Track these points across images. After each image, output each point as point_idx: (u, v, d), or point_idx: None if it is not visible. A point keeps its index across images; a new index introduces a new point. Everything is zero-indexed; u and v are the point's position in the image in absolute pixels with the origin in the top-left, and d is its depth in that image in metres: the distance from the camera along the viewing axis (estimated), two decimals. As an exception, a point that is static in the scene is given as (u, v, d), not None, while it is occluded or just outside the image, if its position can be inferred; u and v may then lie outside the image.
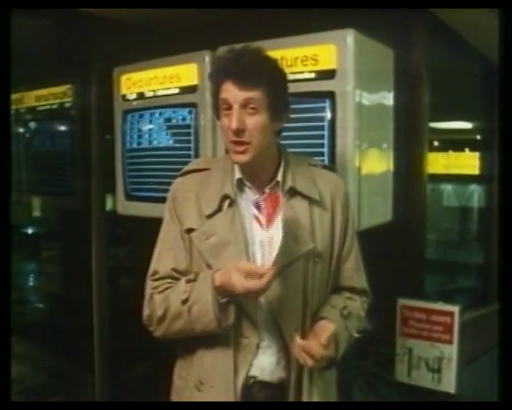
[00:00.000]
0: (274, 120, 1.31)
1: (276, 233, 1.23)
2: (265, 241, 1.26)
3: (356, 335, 1.40)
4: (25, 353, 3.50)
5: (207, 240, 1.33)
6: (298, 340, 1.27)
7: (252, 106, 1.26)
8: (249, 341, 1.32)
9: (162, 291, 1.36)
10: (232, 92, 1.26)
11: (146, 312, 1.39)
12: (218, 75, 1.31)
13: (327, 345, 1.27)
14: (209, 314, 1.26)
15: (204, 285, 1.28)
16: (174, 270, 1.37)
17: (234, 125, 1.26)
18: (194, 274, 1.33)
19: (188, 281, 1.32)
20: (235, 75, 1.26)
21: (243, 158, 1.30)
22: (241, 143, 1.28)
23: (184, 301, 1.30)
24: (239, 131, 1.27)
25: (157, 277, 1.39)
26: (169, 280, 1.37)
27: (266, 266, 1.21)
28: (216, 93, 1.32)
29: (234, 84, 1.26)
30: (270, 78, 1.28)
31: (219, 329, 1.28)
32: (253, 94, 1.25)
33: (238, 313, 1.30)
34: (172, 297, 1.33)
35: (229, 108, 1.28)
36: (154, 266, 1.41)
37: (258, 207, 1.29)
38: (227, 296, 1.27)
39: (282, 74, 1.35)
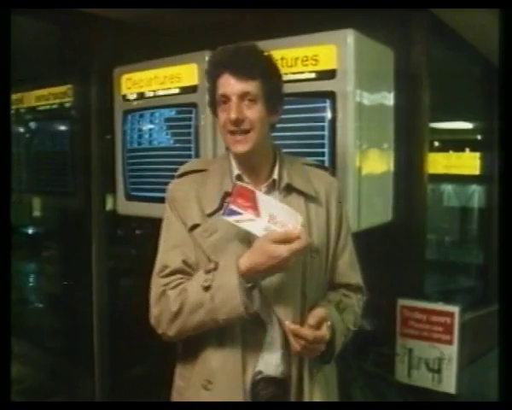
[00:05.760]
0: (270, 113, 1.34)
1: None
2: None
3: (353, 328, 1.41)
4: (25, 353, 3.50)
5: (210, 237, 1.33)
6: (287, 324, 1.26)
7: (249, 98, 1.29)
8: (256, 337, 1.32)
9: (176, 286, 1.30)
10: (230, 85, 1.29)
11: (155, 311, 1.33)
12: (215, 70, 1.33)
13: (316, 326, 1.27)
14: (235, 299, 1.22)
15: (228, 271, 1.24)
16: (185, 262, 1.33)
17: (233, 115, 1.28)
18: (213, 263, 1.28)
19: (208, 271, 1.27)
20: (233, 67, 1.28)
21: (243, 147, 1.31)
22: (240, 132, 1.30)
23: (207, 288, 1.24)
24: (238, 121, 1.28)
25: (167, 272, 1.33)
26: (180, 275, 1.32)
27: (298, 228, 1.20)
28: (213, 89, 1.34)
29: (231, 76, 1.28)
30: (266, 70, 1.32)
31: (245, 314, 1.23)
32: (251, 86, 1.28)
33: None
34: (191, 288, 1.27)
35: (227, 101, 1.30)
36: (161, 262, 1.36)
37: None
38: (251, 281, 1.25)
39: (277, 68, 1.38)
